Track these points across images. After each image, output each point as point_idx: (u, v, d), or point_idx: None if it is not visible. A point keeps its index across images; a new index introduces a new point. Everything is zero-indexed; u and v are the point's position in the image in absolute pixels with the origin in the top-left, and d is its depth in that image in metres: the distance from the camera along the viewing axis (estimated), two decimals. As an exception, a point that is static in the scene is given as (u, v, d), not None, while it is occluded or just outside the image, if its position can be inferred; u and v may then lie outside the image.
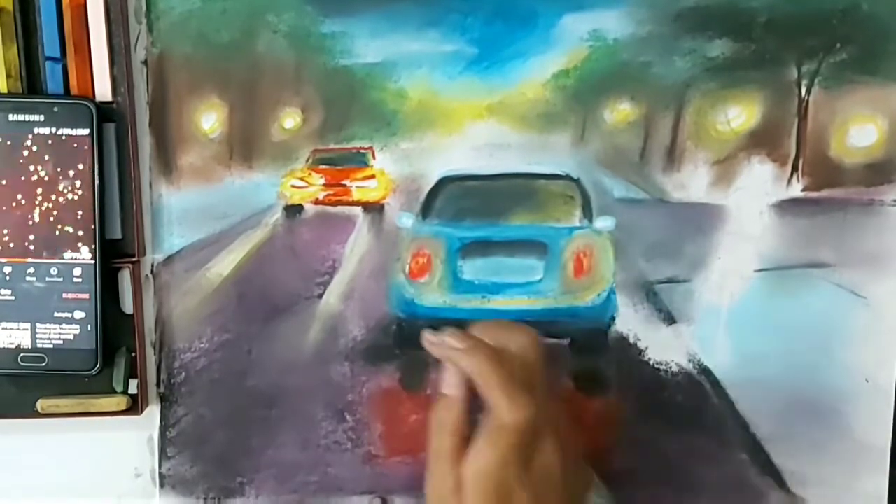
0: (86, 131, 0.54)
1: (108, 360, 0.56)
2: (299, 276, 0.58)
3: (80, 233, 0.54)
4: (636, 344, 0.57)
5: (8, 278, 0.55)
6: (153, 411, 0.58)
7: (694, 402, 0.58)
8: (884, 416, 0.57)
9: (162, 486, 0.58)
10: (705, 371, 0.57)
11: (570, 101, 0.56)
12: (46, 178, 0.54)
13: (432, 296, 0.57)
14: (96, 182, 0.54)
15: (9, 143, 0.54)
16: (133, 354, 0.57)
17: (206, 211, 0.57)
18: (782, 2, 0.55)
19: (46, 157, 0.54)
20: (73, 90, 0.55)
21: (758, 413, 0.57)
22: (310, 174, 0.57)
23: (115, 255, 0.56)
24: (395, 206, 0.57)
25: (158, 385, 0.58)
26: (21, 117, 0.54)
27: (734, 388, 0.57)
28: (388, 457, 0.58)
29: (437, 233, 0.57)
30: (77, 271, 0.55)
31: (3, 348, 0.55)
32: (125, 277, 0.57)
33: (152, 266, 0.57)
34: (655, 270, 0.57)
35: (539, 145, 0.57)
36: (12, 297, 0.55)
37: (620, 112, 0.56)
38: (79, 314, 0.55)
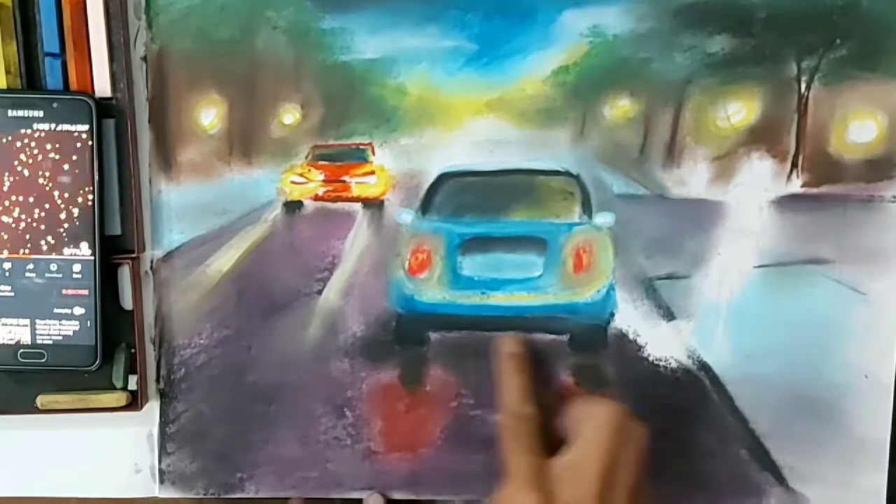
0: (85, 127, 0.54)
1: (108, 356, 0.56)
2: (299, 272, 0.58)
3: (80, 229, 0.54)
4: (635, 340, 0.57)
5: (7, 274, 0.55)
6: (153, 407, 0.58)
7: (693, 399, 0.58)
8: (883, 412, 0.57)
9: (162, 482, 0.58)
10: (704, 367, 0.57)
11: (569, 97, 0.56)
12: (45, 174, 0.54)
13: (432, 292, 0.57)
14: (95, 178, 0.54)
15: (8, 138, 0.54)
16: (133, 350, 0.57)
17: (206, 207, 0.57)
18: (782, -2, 0.55)
19: (45, 153, 0.54)
20: (73, 86, 0.55)
21: (757, 409, 0.57)
22: (309, 170, 0.57)
23: (114, 251, 0.56)
24: (394, 203, 0.57)
25: (158, 381, 0.58)
26: (20, 113, 0.54)
27: (733, 384, 0.57)
28: (388, 453, 0.58)
29: (436, 229, 0.57)
30: (77, 267, 0.55)
31: (3, 344, 0.55)
32: (125, 273, 0.57)
33: (152, 262, 0.57)
34: (655, 266, 0.57)
35: (539, 141, 0.57)
36: (12, 294, 0.55)
37: (620, 108, 0.56)
38: (78, 310, 0.55)
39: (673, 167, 0.57)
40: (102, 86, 0.55)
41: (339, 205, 0.58)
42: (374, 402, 0.58)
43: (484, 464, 0.58)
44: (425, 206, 0.57)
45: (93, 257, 0.55)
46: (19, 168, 0.54)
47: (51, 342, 0.55)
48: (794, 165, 0.56)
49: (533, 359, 0.55)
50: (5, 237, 0.54)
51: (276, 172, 0.57)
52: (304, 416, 0.58)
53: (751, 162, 0.56)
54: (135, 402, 0.57)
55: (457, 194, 0.57)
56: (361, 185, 0.57)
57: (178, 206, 0.57)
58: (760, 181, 0.56)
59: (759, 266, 0.57)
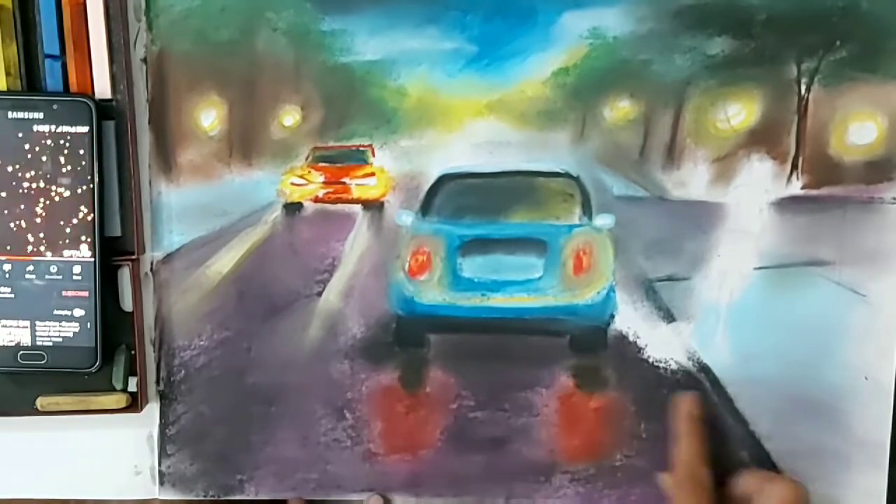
0: (85, 129, 0.54)
1: (108, 357, 0.56)
2: (299, 273, 0.58)
3: (80, 230, 0.54)
4: (635, 342, 0.57)
5: (8, 276, 0.55)
6: (153, 409, 0.58)
7: (693, 400, 0.58)
8: (883, 413, 0.57)
9: (162, 483, 0.58)
10: (704, 369, 0.57)
11: (569, 99, 0.56)
12: (46, 176, 0.54)
13: (432, 293, 0.57)
14: (96, 179, 0.54)
15: (8, 140, 0.54)
16: (133, 352, 0.57)
17: (206, 208, 0.57)
18: (782, -1, 0.55)
19: (46, 155, 0.54)
20: (73, 87, 0.55)
21: (757, 411, 0.57)
22: (309, 172, 0.57)
23: (114, 252, 0.56)
24: (394, 204, 0.57)
25: (158, 382, 0.58)
26: (20, 115, 0.54)
27: (733, 385, 0.57)
28: (388, 454, 0.58)
29: (436, 230, 0.57)
30: (77, 269, 0.55)
31: (3, 346, 0.55)
32: (125, 275, 0.57)
33: (152, 264, 0.57)
34: (655, 268, 0.57)
35: (539, 143, 0.57)
36: (12, 295, 0.55)
37: (620, 109, 0.56)
38: (78, 312, 0.55)
39: (673, 169, 0.57)
40: (102, 87, 0.55)
41: (339, 206, 0.58)
42: (374, 403, 0.58)
43: (484, 465, 0.58)
44: (425, 208, 0.57)
45: (93, 259, 0.55)
46: (19, 170, 0.54)
47: (51, 344, 0.55)
48: (794, 167, 0.56)
49: (708, 420, 0.56)
50: (5, 239, 0.54)
51: (276, 174, 0.57)
52: (304, 418, 0.58)
53: (751, 163, 0.56)
54: (135, 403, 0.57)
55: (457, 196, 0.57)
56: (361, 186, 0.57)
57: (178, 207, 0.57)
58: (760, 183, 0.56)
59: (759, 268, 0.57)
